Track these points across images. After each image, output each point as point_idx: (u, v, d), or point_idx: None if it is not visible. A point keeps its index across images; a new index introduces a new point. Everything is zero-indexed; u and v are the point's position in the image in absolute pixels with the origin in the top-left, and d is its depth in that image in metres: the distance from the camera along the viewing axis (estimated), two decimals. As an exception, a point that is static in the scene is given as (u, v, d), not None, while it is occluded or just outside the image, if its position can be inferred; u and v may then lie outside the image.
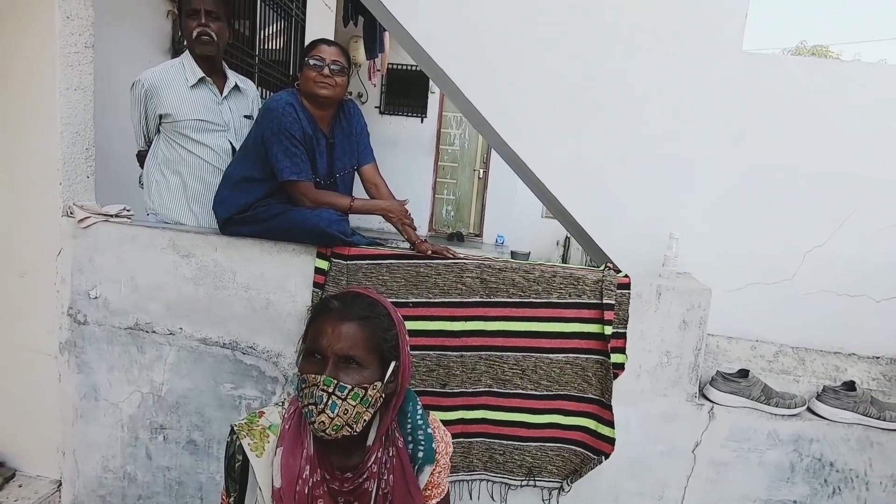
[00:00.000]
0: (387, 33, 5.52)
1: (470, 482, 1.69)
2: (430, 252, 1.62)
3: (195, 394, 1.76)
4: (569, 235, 6.95)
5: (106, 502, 1.87)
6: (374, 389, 0.96)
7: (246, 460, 1.00)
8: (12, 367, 1.85)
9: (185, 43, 1.94)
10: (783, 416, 1.61)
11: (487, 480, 1.69)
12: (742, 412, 1.62)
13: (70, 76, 1.72)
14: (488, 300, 1.60)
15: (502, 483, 1.69)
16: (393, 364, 0.99)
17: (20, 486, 1.84)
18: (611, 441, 1.57)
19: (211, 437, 1.78)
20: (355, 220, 1.85)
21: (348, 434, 0.96)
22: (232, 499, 1.04)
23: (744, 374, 1.66)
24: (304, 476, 0.97)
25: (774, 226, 1.83)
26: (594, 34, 1.77)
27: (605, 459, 1.59)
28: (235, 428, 1.02)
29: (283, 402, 1.07)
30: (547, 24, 1.78)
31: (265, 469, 0.98)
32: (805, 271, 1.84)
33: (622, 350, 1.58)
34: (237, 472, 1.02)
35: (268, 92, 4.50)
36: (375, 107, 7.19)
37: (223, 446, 1.77)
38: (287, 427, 1.01)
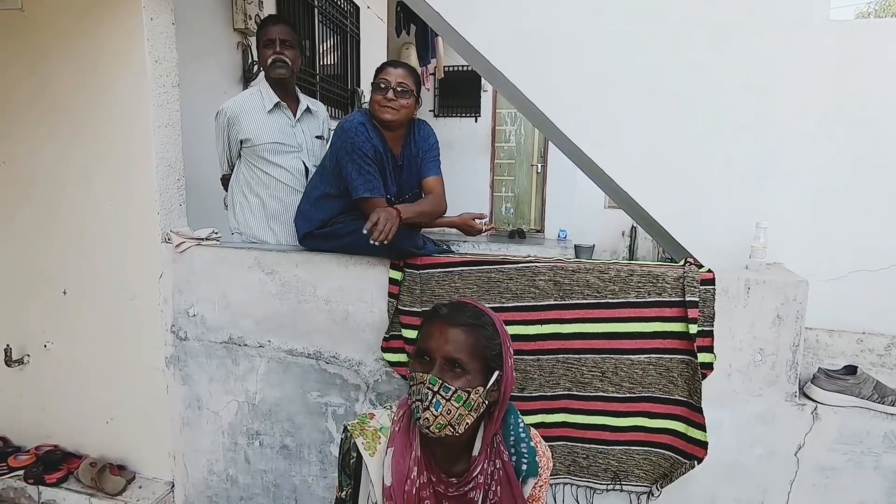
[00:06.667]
0: (439, 38, 5.57)
1: (553, 486, 1.68)
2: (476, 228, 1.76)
3: (285, 402, 1.88)
4: (635, 226, 6.67)
5: (213, 503, 2.03)
6: (476, 394, 0.99)
7: (360, 457, 1.06)
8: (130, 381, 2.06)
9: (262, 70, 2.08)
10: (902, 415, 1.46)
11: (571, 484, 1.67)
12: (852, 412, 1.48)
13: (161, 115, 1.89)
14: (563, 302, 1.58)
15: (587, 487, 1.65)
16: (496, 373, 1.02)
17: (140, 488, 2.05)
18: (703, 445, 1.50)
19: (301, 443, 1.89)
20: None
21: (451, 434, 0.99)
22: (344, 493, 1.10)
23: (851, 370, 1.52)
24: (412, 476, 1.02)
25: (878, 207, 1.67)
26: (667, 21, 1.69)
27: (698, 464, 1.51)
28: (349, 427, 1.08)
29: (391, 406, 1.13)
30: (614, 16, 1.72)
31: (377, 467, 1.04)
32: (918, 254, 1.66)
33: (710, 349, 1.50)
34: (352, 469, 1.08)
35: (329, 107, 4.68)
36: (430, 110, 7.27)
37: (313, 451, 1.88)
38: (397, 429, 1.06)
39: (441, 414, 0.97)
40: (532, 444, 1.08)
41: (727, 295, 1.49)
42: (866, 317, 1.70)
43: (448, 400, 0.97)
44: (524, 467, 1.06)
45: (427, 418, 0.97)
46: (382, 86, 1.65)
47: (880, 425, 1.47)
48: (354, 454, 1.06)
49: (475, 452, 1.05)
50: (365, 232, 1.45)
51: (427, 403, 0.97)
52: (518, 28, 1.77)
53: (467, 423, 1.00)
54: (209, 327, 1.91)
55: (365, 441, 1.06)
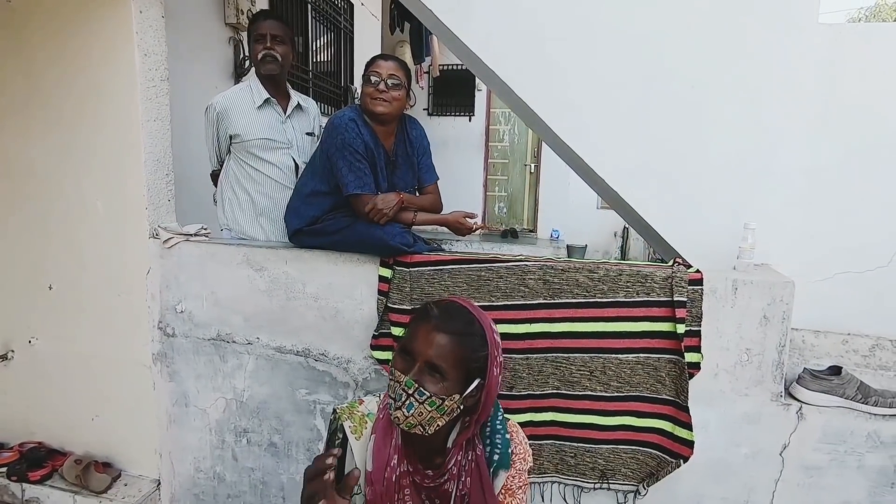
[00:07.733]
0: (433, 36, 5.56)
1: (541, 485, 1.68)
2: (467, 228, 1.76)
3: (274, 399, 1.86)
4: (627, 226, 6.70)
5: (200, 500, 2.01)
6: (451, 401, 0.98)
7: (346, 438, 1.06)
8: (116, 378, 2.03)
9: (253, 65, 2.06)
10: (884, 416, 1.48)
11: (559, 483, 1.67)
12: (836, 412, 1.50)
13: (150, 109, 1.87)
14: (552, 301, 1.58)
15: (574, 486, 1.66)
16: (477, 381, 1.00)
17: (125, 485, 2.03)
18: (689, 444, 1.51)
19: (289, 441, 1.88)
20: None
21: (420, 433, 0.99)
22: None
23: (836, 371, 1.54)
24: (392, 464, 1.02)
25: (866, 210, 1.68)
26: (660, 23, 1.69)
27: (684, 463, 1.52)
28: (338, 410, 1.09)
29: (379, 394, 1.13)
30: (608, 18, 1.72)
31: (362, 451, 1.04)
32: (903, 257, 1.68)
33: (697, 349, 1.51)
34: (336, 447, 1.06)
35: (322, 104, 4.66)
36: (424, 109, 7.24)
37: (301, 449, 1.87)
38: (381, 417, 1.06)
39: (412, 415, 0.96)
40: (507, 435, 1.07)
41: (715, 295, 1.50)
42: (850, 318, 1.71)
43: (421, 403, 0.96)
44: (496, 458, 1.05)
45: (398, 417, 0.97)
46: (374, 79, 1.64)
47: (863, 425, 1.49)
48: (341, 434, 1.07)
49: (449, 445, 1.05)
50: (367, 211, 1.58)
51: (399, 403, 0.96)
52: (513, 27, 1.77)
53: (438, 426, 0.99)
54: (197, 324, 1.89)
55: (352, 425, 1.06)
